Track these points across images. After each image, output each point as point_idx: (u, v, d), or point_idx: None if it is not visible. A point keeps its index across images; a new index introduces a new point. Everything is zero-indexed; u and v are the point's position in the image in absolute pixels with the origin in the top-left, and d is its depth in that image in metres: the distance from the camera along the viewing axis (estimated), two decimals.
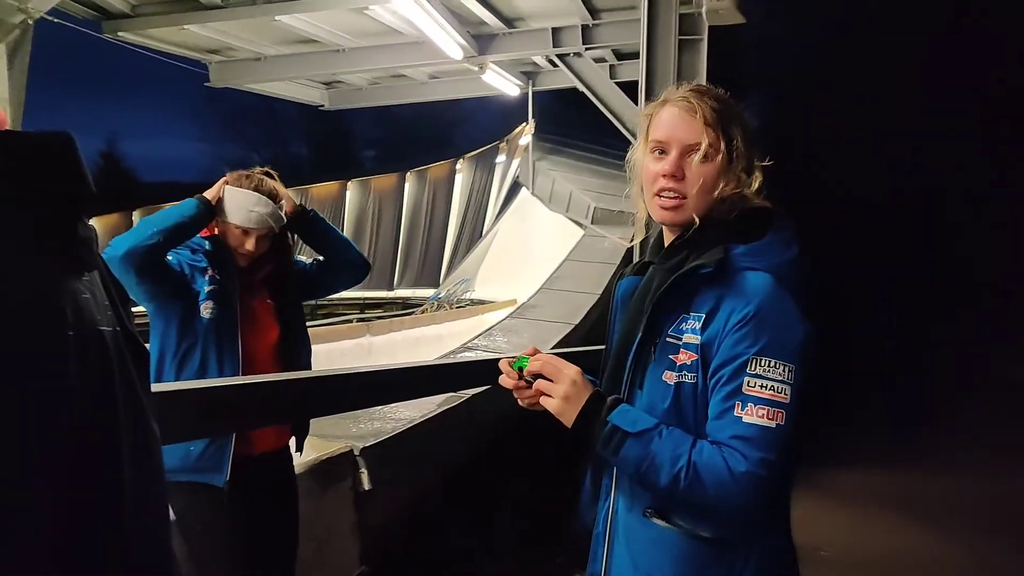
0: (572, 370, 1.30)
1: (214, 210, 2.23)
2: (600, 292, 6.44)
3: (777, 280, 1.24)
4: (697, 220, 1.30)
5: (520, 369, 1.35)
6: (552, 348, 5.38)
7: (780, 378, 1.17)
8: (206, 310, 2.18)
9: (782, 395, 1.17)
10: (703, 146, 1.28)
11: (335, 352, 6.38)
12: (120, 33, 6.44)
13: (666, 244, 1.40)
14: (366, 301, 18.69)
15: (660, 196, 1.33)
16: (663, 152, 1.33)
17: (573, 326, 5.69)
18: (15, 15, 5.10)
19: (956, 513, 4.74)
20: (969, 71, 13.95)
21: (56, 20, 5.49)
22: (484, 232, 14.84)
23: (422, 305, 13.48)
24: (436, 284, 16.39)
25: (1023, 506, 4.81)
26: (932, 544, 4.27)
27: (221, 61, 8.01)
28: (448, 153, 19.47)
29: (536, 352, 1.39)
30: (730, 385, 1.19)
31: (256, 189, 2.25)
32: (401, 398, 2.65)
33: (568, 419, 1.28)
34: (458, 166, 18.56)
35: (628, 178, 1.51)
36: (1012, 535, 4.34)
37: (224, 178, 2.28)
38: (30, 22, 5.19)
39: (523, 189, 11.68)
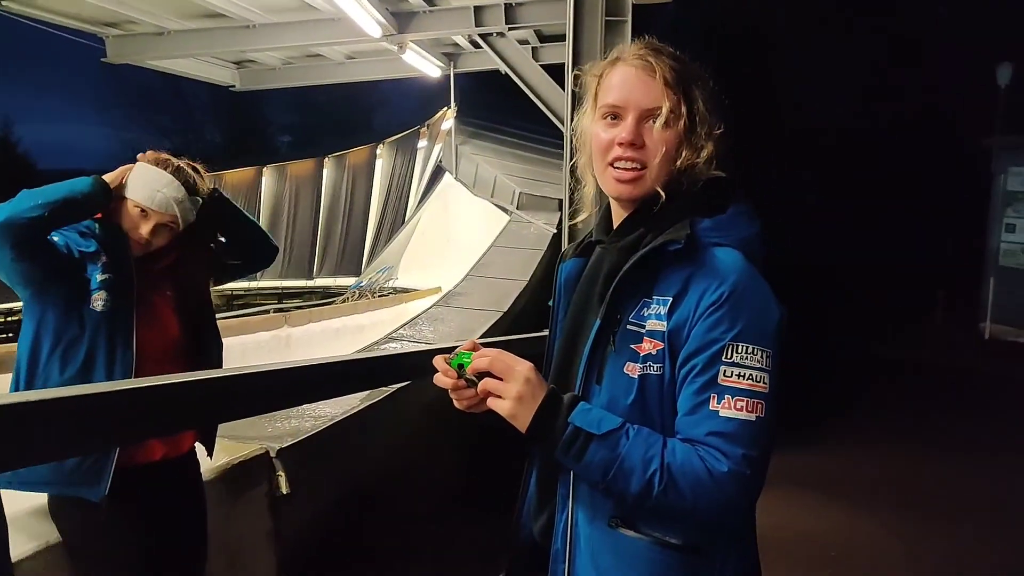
0: (525, 366, 1.13)
1: (111, 193, 1.95)
2: (527, 279, 6.32)
3: (746, 257, 1.11)
4: (663, 193, 1.15)
5: (460, 367, 1.18)
6: (480, 337, 5.23)
7: (758, 365, 1.04)
8: (97, 301, 1.91)
9: (760, 384, 1.04)
10: (664, 110, 1.13)
11: (250, 345, 6.05)
12: (5, 3, 5.87)
13: (615, 221, 1.25)
14: (284, 291, 18.15)
15: (615, 167, 1.18)
16: (616, 117, 1.18)
17: (502, 313, 5.55)
18: None
19: (868, 492, 4.87)
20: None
21: None
22: (406, 219, 14.55)
23: (343, 295, 13.14)
24: (357, 272, 16.02)
25: (932, 486, 4.99)
26: (850, 522, 4.36)
27: (119, 35, 7.46)
28: (367, 138, 19.04)
29: (475, 347, 1.23)
30: (704, 376, 1.05)
31: (172, 174, 2.00)
32: (322, 397, 2.43)
33: (522, 422, 1.11)
34: (378, 151, 18.20)
35: (576, 147, 1.36)
36: (924, 513, 4.48)
37: (131, 164, 2.01)
38: None
39: (446, 174, 11.46)
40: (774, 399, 1.05)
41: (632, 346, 1.11)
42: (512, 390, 1.12)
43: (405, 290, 12.09)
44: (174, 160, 2.04)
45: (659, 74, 1.14)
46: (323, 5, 6.93)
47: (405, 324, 5.40)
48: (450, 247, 11.61)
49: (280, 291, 18.23)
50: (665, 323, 1.09)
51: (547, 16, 7.23)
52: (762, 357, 1.05)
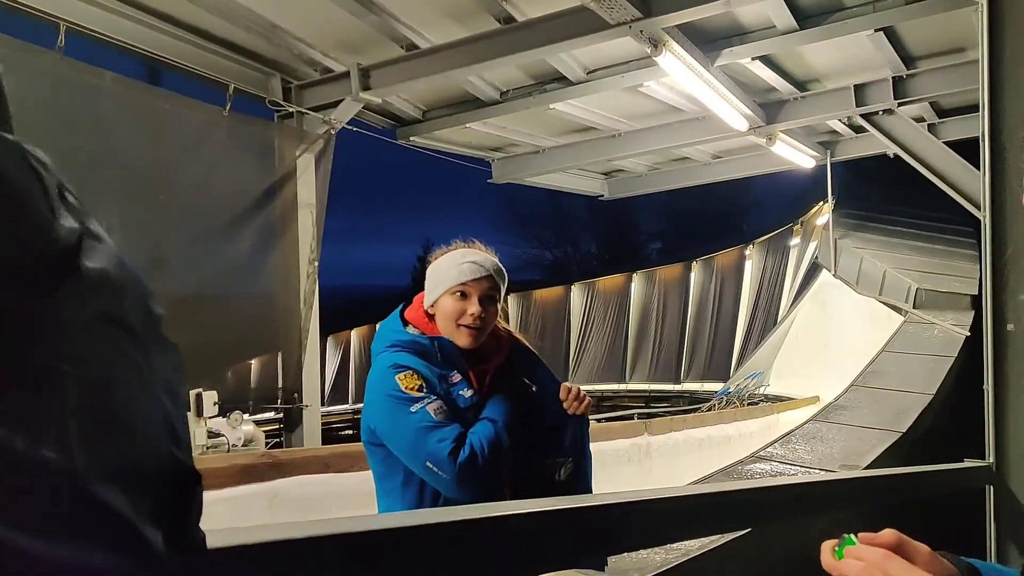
0: None
1: None
2: (933, 392, 5.16)
3: None
4: None
5: None
6: (873, 461, 4.32)
7: None
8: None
9: None
10: None
11: (609, 453, 5.87)
12: (412, 138, 6.87)
13: None
14: (652, 394, 18.16)
15: None
16: None
17: (900, 435, 4.55)
18: (320, 127, 5.64)
19: None
20: None
21: (356, 129, 6.00)
22: (779, 320, 13.59)
23: (709, 400, 12.55)
24: (725, 377, 15.33)
25: None
26: None
27: (503, 158, 8.27)
28: (738, 242, 18.61)
29: (897, 540, 0.76)
30: None
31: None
32: (668, 540, 2.02)
33: None
34: (747, 252, 17.63)
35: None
36: None
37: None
38: (332, 132, 5.70)
39: (822, 272, 10.43)
40: None
41: None
42: None
43: (778, 398, 11.11)
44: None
45: None
46: (687, 105, 6.86)
47: (776, 441, 4.72)
48: (829, 352, 10.46)
49: (648, 394, 18.30)
50: None
51: (947, 84, 6.20)
52: None
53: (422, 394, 1.69)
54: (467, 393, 1.77)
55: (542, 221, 42.57)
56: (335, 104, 5.67)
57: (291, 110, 5.65)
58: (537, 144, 7.94)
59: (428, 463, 1.65)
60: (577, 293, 20.94)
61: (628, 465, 6.13)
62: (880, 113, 6.45)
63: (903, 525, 0.85)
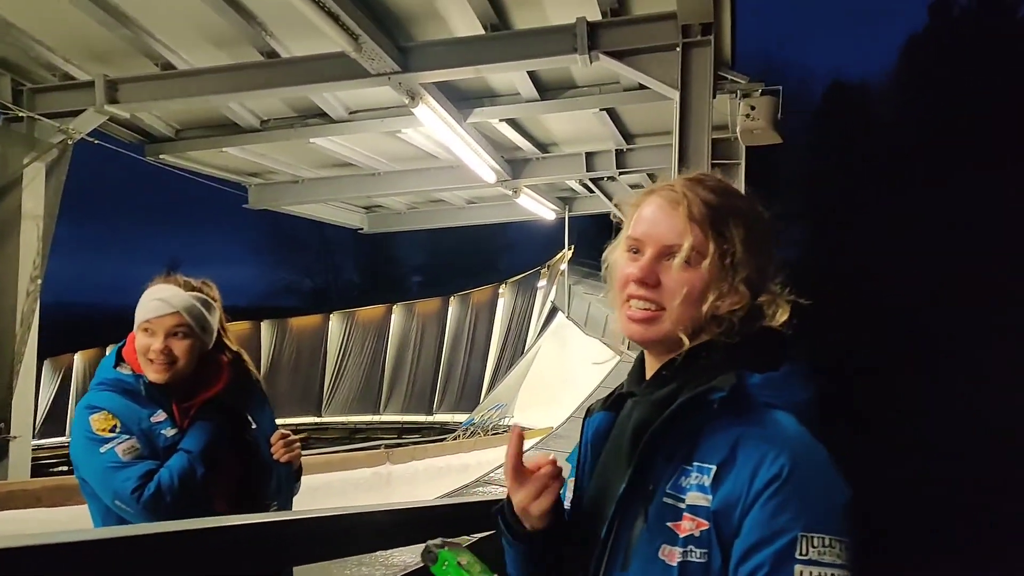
0: None
1: None
2: None
3: (802, 424, 0.92)
4: (685, 339, 0.99)
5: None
6: None
7: (839, 561, 0.82)
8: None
9: None
10: (684, 248, 0.99)
11: (350, 482, 6.02)
12: (162, 156, 6.60)
13: (649, 371, 1.08)
14: (404, 425, 18.39)
15: (629, 305, 1.04)
16: (638, 252, 1.05)
17: None
18: (55, 135, 5.26)
19: None
20: None
21: (96, 142, 5.64)
22: (523, 353, 14.56)
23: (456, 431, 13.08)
24: (475, 409, 15.98)
25: None
26: None
27: (260, 184, 8.19)
28: (493, 279, 19.63)
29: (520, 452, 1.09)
30: None
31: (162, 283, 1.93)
32: (366, 549, 2.29)
33: None
34: (500, 290, 18.64)
35: (605, 280, 1.22)
36: None
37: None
38: (69, 143, 5.34)
39: (560, 313, 11.48)
40: None
41: (669, 524, 0.90)
42: None
43: None
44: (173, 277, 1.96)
45: (684, 207, 1.01)
46: (442, 153, 7.35)
47: (498, 467, 5.21)
48: (565, 386, 11.41)
49: (401, 425, 18.50)
50: (710, 497, 0.88)
51: (658, 160, 7.31)
52: (840, 550, 0.82)
53: (113, 435, 1.77)
54: (169, 432, 1.84)
55: (303, 247, 41.60)
56: (76, 113, 5.34)
57: (20, 114, 5.22)
58: (296, 174, 7.98)
59: (116, 501, 1.74)
60: (336, 322, 20.65)
61: (368, 493, 6.30)
62: (605, 179, 7.43)
63: None
